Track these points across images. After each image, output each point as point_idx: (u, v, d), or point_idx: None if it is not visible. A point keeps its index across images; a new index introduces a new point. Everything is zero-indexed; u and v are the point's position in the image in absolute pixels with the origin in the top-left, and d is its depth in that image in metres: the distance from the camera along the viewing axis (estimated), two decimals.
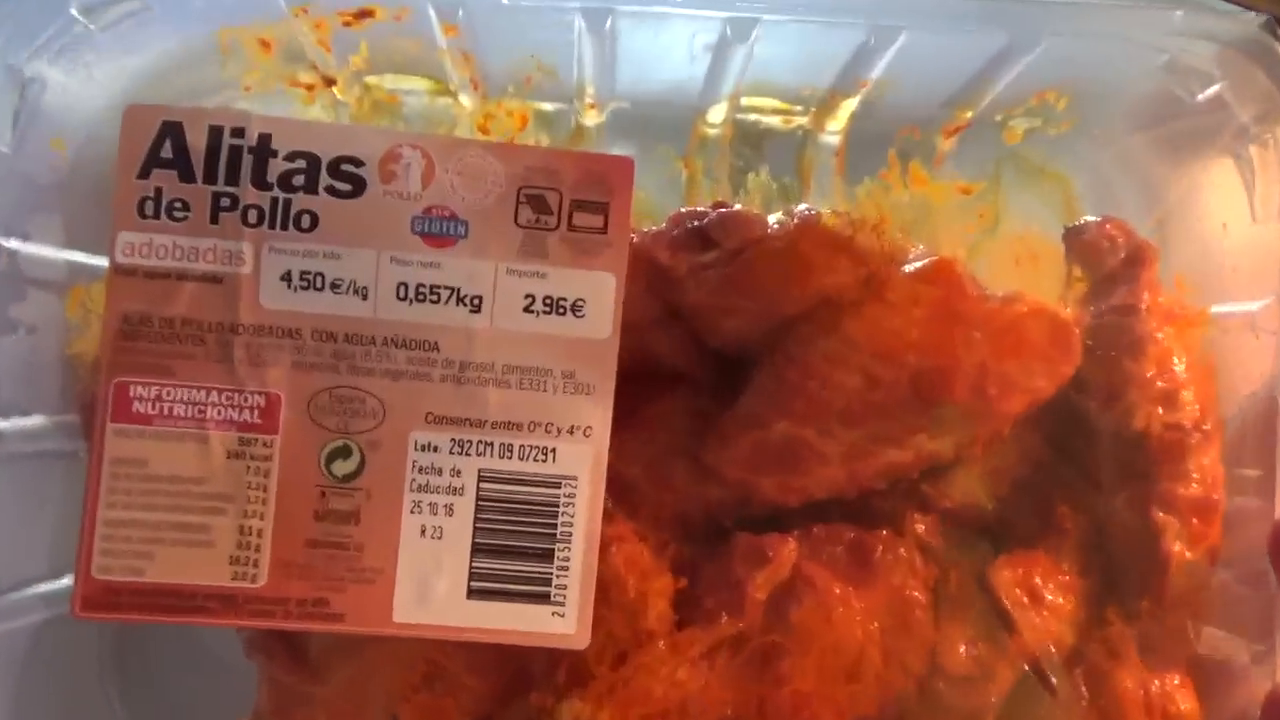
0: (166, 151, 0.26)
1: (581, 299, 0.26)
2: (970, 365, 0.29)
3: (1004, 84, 0.31)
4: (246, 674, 0.29)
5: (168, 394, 0.26)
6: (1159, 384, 0.30)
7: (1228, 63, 0.28)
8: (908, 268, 0.29)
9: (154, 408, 0.26)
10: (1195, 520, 0.29)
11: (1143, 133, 0.31)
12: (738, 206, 0.30)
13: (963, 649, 0.30)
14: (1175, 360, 0.30)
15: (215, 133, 0.26)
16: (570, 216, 0.26)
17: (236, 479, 0.26)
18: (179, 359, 0.26)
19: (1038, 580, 0.30)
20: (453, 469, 0.26)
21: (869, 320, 0.29)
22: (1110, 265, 0.31)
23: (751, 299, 0.29)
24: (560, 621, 0.26)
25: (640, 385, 0.30)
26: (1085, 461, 0.32)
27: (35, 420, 0.28)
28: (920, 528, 0.31)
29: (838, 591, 0.29)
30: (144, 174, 0.26)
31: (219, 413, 0.26)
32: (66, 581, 0.29)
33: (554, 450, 0.26)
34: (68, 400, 0.28)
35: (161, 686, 0.32)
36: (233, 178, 0.26)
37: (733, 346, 0.31)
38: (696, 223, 0.30)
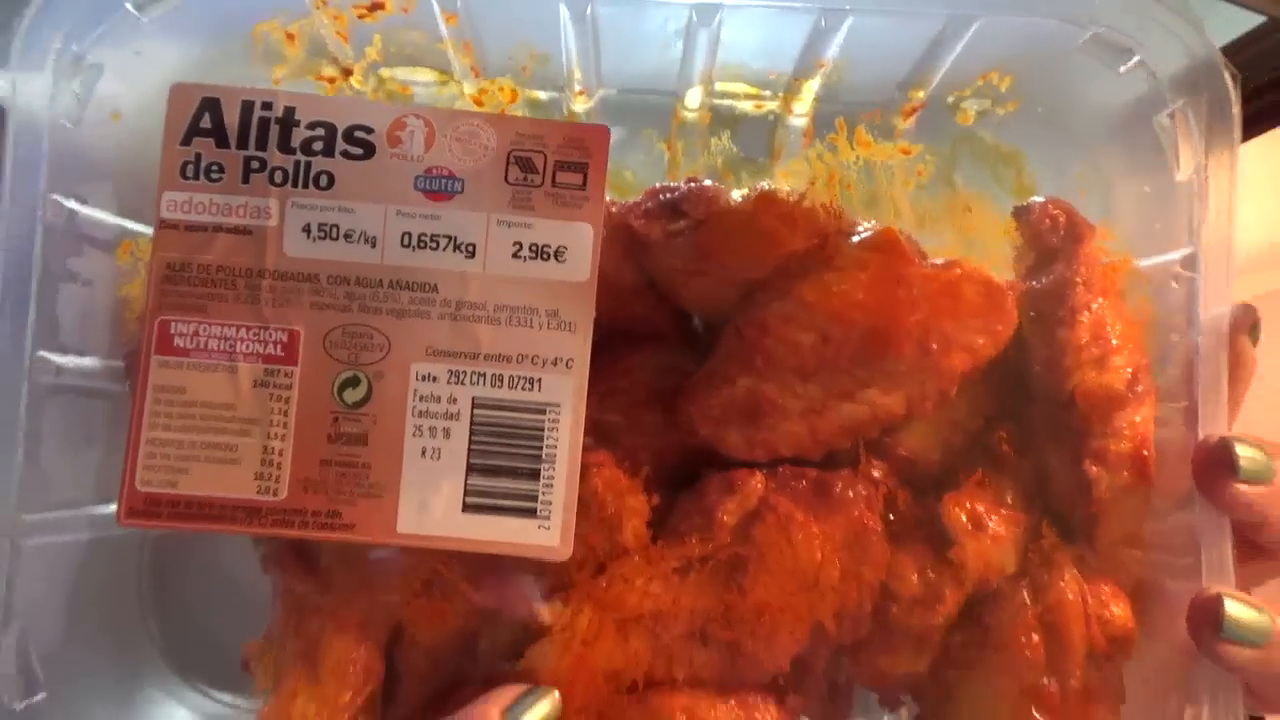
0: (205, 123, 0.30)
1: (563, 246, 0.30)
2: (913, 323, 0.31)
3: (948, 65, 0.34)
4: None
5: (203, 330, 0.29)
6: (1093, 350, 0.32)
7: (1144, 36, 0.31)
8: (855, 237, 0.32)
9: (191, 342, 0.29)
10: (1126, 473, 0.32)
11: (1077, 105, 0.35)
12: (708, 182, 0.33)
13: (914, 577, 0.32)
14: (1108, 328, 0.33)
15: (247, 106, 0.30)
16: (554, 175, 0.30)
17: (262, 405, 0.29)
18: (213, 300, 0.29)
19: (982, 512, 0.32)
20: (449, 397, 0.30)
21: (820, 284, 0.32)
22: (1051, 241, 0.34)
23: (716, 264, 0.32)
24: (545, 534, 0.30)
25: (620, 344, 0.34)
26: (1028, 420, 0.34)
27: (89, 361, 0.31)
28: (877, 472, 0.34)
29: (799, 518, 0.32)
30: (186, 142, 0.30)
31: (247, 347, 0.29)
32: (110, 508, 0.33)
33: (539, 380, 0.30)
34: (116, 347, 0.32)
35: (191, 608, 0.35)
36: (261, 144, 0.30)
37: (702, 309, 0.35)
38: (668, 195, 0.33)
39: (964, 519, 0.32)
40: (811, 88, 0.36)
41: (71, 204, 0.30)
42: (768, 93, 0.37)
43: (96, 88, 0.31)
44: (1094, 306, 0.33)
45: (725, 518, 0.31)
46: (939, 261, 0.32)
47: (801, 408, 0.32)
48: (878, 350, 0.31)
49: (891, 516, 0.33)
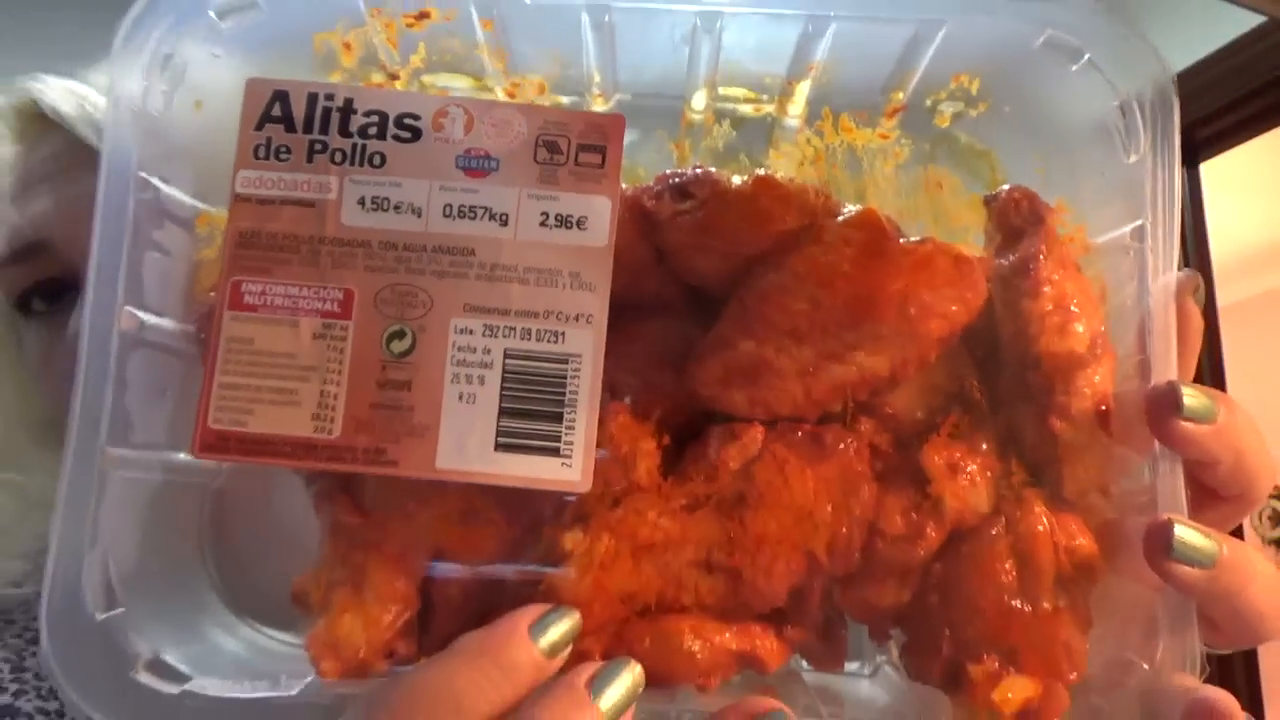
0: (276, 112, 0.34)
1: (585, 216, 0.34)
2: (893, 292, 0.35)
3: (922, 69, 0.39)
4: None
5: (270, 289, 0.34)
6: (1055, 318, 0.36)
7: (1090, 37, 0.35)
8: (840, 217, 0.37)
9: (260, 299, 0.34)
10: (1087, 426, 0.35)
11: (1039, 104, 0.39)
12: (712, 169, 0.37)
13: (899, 517, 0.36)
14: (1068, 297, 0.36)
15: (312, 97, 0.34)
16: (576, 156, 0.34)
17: (320, 354, 0.33)
18: (280, 263, 0.34)
19: (959, 458, 0.36)
20: (484, 348, 0.34)
21: (810, 257, 0.36)
22: (1016, 223, 0.38)
23: (719, 239, 0.37)
24: (568, 470, 0.33)
25: (635, 315, 0.38)
26: (1000, 383, 0.38)
27: (166, 322, 0.36)
28: (865, 427, 0.37)
29: (795, 461, 0.35)
30: (259, 127, 0.34)
31: (308, 304, 0.34)
32: (180, 455, 0.37)
33: (563, 333, 0.34)
34: (188, 313, 0.37)
35: (244, 556, 0.39)
36: (324, 129, 0.34)
37: (706, 282, 0.39)
38: (677, 179, 0.37)
39: (942, 463, 0.36)
40: (803, 91, 0.41)
41: (156, 181, 0.35)
42: (765, 96, 0.42)
43: (181, 83, 0.35)
44: (1055, 278, 0.37)
45: (729, 463, 0.35)
46: (915, 239, 0.36)
47: (796, 369, 0.36)
48: (862, 315, 0.35)
49: (879, 465, 0.37)
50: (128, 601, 0.33)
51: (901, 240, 0.36)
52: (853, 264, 0.35)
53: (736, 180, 0.37)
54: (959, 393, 0.39)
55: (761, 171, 0.37)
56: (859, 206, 0.36)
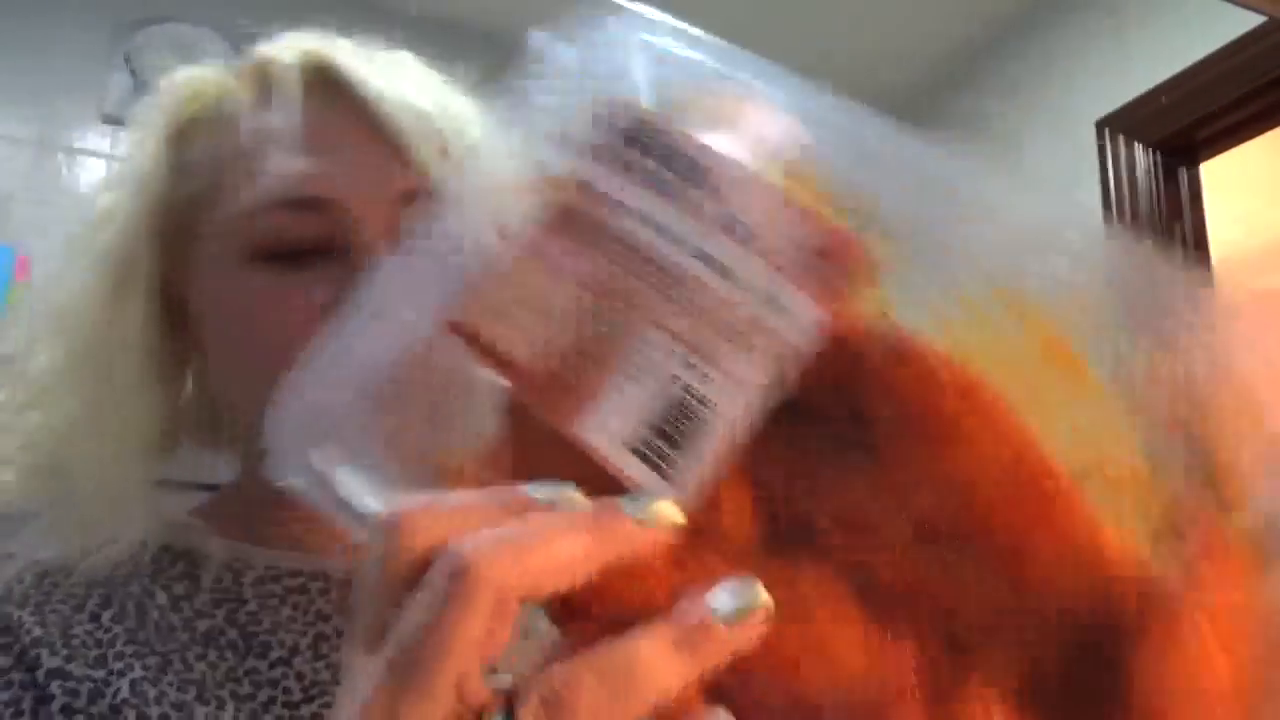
0: (618, 123, 0.43)
1: (797, 312, 0.39)
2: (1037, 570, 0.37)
3: None
4: None
5: (555, 248, 0.42)
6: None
7: None
8: None
9: (545, 251, 0.42)
10: None
11: None
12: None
13: None
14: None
15: (645, 122, 0.42)
16: (816, 262, 0.39)
17: (554, 305, 0.41)
18: (567, 234, 0.42)
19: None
20: (664, 366, 0.39)
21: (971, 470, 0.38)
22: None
23: (897, 409, 0.40)
24: (664, 491, 0.38)
25: (812, 420, 0.42)
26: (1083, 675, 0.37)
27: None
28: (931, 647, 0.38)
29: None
30: (602, 129, 0.43)
31: (567, 265, 0.41)
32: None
33: (727, 390, 0.37)
34: None
35: None
36: (641, 149, 0.42)
37: (873, 430, 0.42)
38: (894, 339, 0.41)
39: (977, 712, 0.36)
40: None
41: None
42: None
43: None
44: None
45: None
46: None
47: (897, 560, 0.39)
48: (997, 560, 0.37)
49: (925, 683, 0.37)
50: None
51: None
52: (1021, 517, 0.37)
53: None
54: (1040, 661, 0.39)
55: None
56: None
